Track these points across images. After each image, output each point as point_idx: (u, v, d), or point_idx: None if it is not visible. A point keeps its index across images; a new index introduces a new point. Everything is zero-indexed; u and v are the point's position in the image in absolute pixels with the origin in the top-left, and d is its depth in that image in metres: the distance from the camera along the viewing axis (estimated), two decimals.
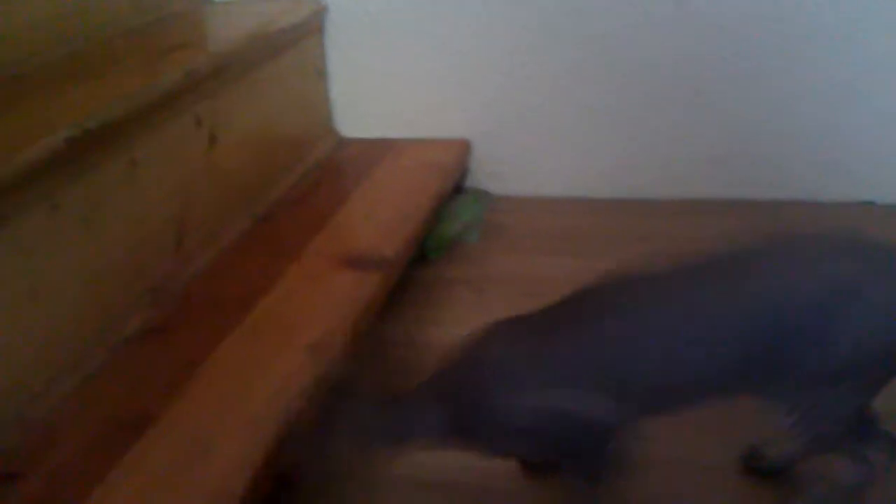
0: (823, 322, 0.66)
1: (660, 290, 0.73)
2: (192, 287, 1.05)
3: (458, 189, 1.49)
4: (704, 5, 1.34)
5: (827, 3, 1.31)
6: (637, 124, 1.46)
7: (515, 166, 1.53)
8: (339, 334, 0.94)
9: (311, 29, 1.43)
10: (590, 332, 0.72)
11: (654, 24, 1.38)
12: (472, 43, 1.45)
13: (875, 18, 1.31)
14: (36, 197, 0.81)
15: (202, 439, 0.78)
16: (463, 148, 1.50)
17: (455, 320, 1.19)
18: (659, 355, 0.69)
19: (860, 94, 1.36)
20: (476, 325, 1.14)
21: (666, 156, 1.47)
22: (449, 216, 1.40)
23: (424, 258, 1.33)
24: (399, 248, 1.15)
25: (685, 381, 0.70)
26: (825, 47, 1.34)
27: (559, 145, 1.50)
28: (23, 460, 0.78)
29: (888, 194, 1.41)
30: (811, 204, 1.43)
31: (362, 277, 1.07)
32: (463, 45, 1.45)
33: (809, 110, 1.39)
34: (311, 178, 1.37)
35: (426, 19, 1.44)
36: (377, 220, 1.24)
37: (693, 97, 1.42)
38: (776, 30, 1.34)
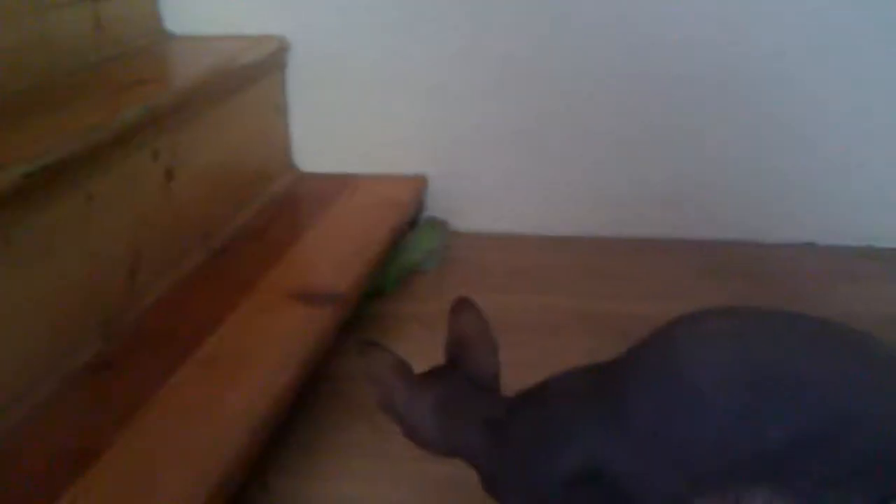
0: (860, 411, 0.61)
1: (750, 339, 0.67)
2: (144, 320, 1.06)
3: (413, 224, 1.52)
4: (654, 56, 1.40)
5: (772, 51, 1.37)
6: (592, 166, 1.51)
7: (472, 203, 1.57)
8: (289, 368, 0.96)
9: (274, 65, 1.45)
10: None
11: (610, 73, 1.43)
12: (432, 82, 1.49)
13: (818, 66, 1.37)
14: None
15: (147, 474, 0.79)
16: (420, 184, 1.53)
17: (407, 355, 1.20)
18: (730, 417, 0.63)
19: (803, 140, 1.43)
20: (428, 359, 1.17)
21: (620, 196, 1.52)
22: (406, 248, 1.43)
23: (380, 293, 1.35)
24: (352, 283, 1.17)
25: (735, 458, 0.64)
26: (769, 95, 1.40)
27: (515, 183, 1.54)
28: None
29: (827, 236, 1.48)
30: (757, 244, 1.49)
31: (315, 313, 1.08)
32: (422, 83, 1.49)
33: (755, 156, 1.45)
34: (269, 213, 1.39)
35: (387, 58, 1.48)
36: (332, 254, 1.26)
37: (646, 141, 1.47)
38: (722, 79, 1.40)
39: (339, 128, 1.55)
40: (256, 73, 1.39)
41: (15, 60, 1.14)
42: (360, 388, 1.12)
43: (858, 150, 1.42)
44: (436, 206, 1.57)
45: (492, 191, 1.56)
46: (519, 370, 1.15)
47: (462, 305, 0.81)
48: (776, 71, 1.39)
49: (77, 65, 1.24)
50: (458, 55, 1.46)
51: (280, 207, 1.42)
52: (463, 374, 0.78)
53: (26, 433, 0.85)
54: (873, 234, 1.46)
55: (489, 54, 1.45)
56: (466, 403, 0.76)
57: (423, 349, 1.21)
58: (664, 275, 1.41)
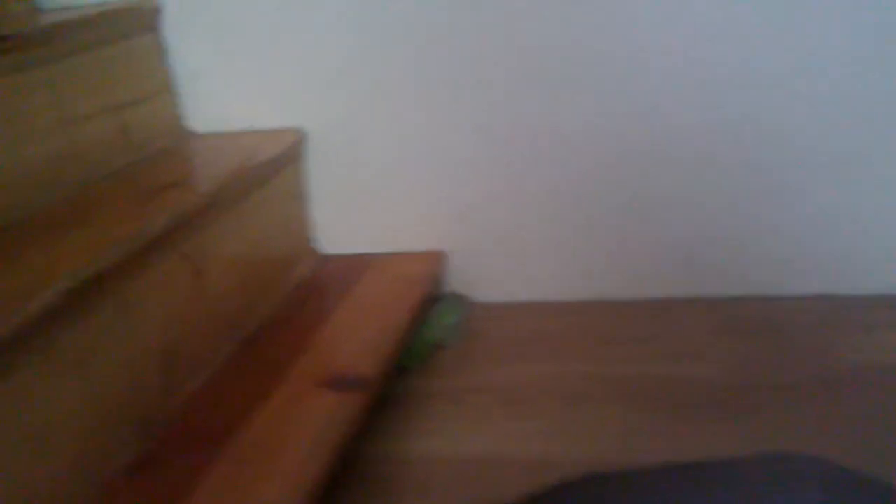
0: None
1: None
2: (180, 417, 1.10)
3: (434, 300, 1.56)
4: (659, 121, 1.44)
5: (778, 104, 1.41)
6: (603, 231, 1.54)
7: (488, 274, 1.61)
8: (322, 458, 0.99)
9: (293, 156, 1.51)
10: None
11: (617, 140, 1.47)
12: (444, 160, 1.54)
13: (825, 120, 1.40)
14: (34, 347, 0.87)
15: None
16: (439, 259, 1.57)
17: (436, 433, 1.24)
18: None
19: (812, 192, 1.45)
20: (456, 436, 1.20)
21: (632, 259, 1.55)
22: (431, 323, 1.47)
23: (405, 370, 1.38)
24: (380, 365, 1.21)
25: None
26: (776, 150, 1.43)
27: (530, 252, 1.58)
28: None
29: (841, 286, 1.49)
30: (771, 298, 1.51)
31: (345, 398, 1.12)
32: (434, 162, 1.54)
33: (765, 210, 1.48)
34: (295, 298, 1.44)
35: (399, 141, 1.54)
36: (358, 337, 1.29)
37: (655, 203, 1.50)
38: (728, 137, 1.44)
39: (359, 210, 1.60)
40: (277, 165, 1.44)
41: (46, 174, 1.20)
42: (393, 470, 1.16)
43: (869, 199, 1.44)
44: (455, 281, 1.61)
45: (508, 261, 1.59)
46: (541, 440, 1.19)
47: None
48: (782, 125, 1.42)
49: (105, 172, 1.31)
50: (468, 133, 1.51)
51: (305, 292, 1.47)
52: None
53: None
54: (889, 283, 1.47)
55: (497, 130, 1.50)
56: None
57: (450, 424, 1.25)
58: (681, 335, 1.43)
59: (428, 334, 1.44)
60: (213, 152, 1.43)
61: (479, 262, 1.60)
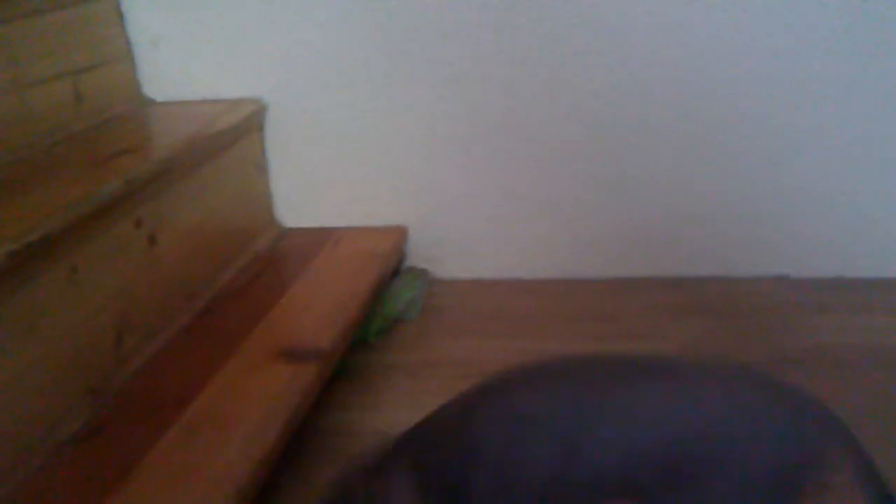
0: (723, 445, 0.69)
1: (570, 379, 0.76)
2: (131, 386, 1.08)
3: (394, 274, 1.55)
4: (622, 102, 1.45)
5: (739, 88, 1.41)
6: (564, 210, 1.54)
7: (450, 250, 1.60)
8: (273, 429, 0.98)
9: (252, 127, 1.49)
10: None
11: (579, 122, 1.47)
12: (406, 135, 1.53)
13: (785, 103, 1.42)
14: None
15: None
16: (400, 235, 1.56)
17: (392, 405, 1.23)
18: (558, 448, 0.72)
19: (772, 174, 1.47)
20: (412, 409, 1.20)
21: (592, 238, 1.56)
22: (390, 297, 1.46)
23: (363, 342, 1.38)
24: (336, 338, 1.20)
25: (580, 481, 0.72)
26: (737, 131, 1.45)
27: (491, 230, 1.58)
28: None
29: (799, 268, 1.51)
30: (729, 279, 1.52)
31: (299, 370, 1.11)
32: (398, 137, 1.53)
33: (724, 192, 1.49)
34: (253, 270, 1.42)
35: (362, 114, 1.52)
36: (315, 310, 1.28)
37: (615, 184, 1.51)
38: (688, 117, 1.44)
39: (320, 183, 1.58)
40: (235, 135, 1.42)
41: None
42: (347, 442, 1.15)
43: (827, 182, 1.46)
44: (416, 256, 1.61)
45: (470, 238, 1.59)
46: None
47: None
48: (743, 107, 1.43)
49: (58, 136, 1.28)
50: (430, 111, 1.50)
51: (264, 264, 1.45)
52: None
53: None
54: (843, 265, 1.50)
55: (462, 108, 1.49)
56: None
57: (406, 398, 1.25)
58: (640, 314, 1.44)
59: (387, 308, 1.43)
60: (169, 120, 1.41)
61: (441, 239, 1.60)
